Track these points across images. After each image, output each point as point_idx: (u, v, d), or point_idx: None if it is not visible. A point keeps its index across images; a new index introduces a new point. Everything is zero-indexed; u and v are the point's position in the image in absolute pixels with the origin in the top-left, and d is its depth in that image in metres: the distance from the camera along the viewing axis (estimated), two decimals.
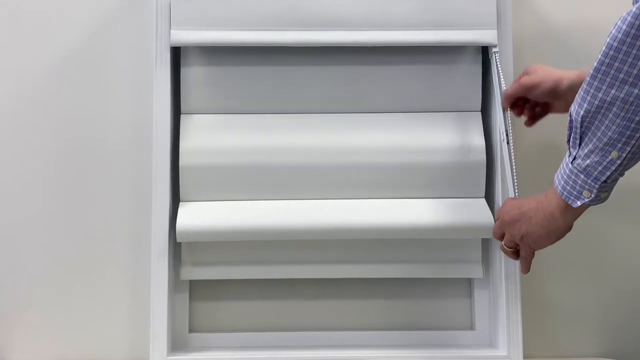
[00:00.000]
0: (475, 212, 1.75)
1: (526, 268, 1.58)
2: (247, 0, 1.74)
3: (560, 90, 1.65)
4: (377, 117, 1.79)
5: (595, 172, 1.35)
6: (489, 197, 1.79)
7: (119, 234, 1.85)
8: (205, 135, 1.77)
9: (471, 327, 1.85)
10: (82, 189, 1.85)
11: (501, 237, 1.59)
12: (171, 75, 1.77)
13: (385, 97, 1.80)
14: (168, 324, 1.73)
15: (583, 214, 1.44)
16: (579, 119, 1.35)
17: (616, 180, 1.37)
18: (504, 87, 1.71)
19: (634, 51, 1.25)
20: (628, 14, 1.26)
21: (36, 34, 1.85)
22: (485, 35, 1.76)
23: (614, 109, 1.30)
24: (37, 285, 1.85)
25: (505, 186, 1.72)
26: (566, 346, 1.89)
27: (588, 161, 1.35)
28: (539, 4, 1.88)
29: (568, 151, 1.40)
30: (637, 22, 1.24)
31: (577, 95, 1.35)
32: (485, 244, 1.81)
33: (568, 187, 1.39)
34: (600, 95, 1.31)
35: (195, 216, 1.73)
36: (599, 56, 1.30)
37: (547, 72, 1.68)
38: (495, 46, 1.76)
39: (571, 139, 1.38)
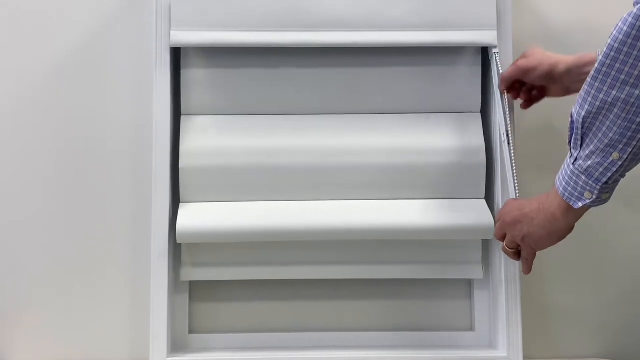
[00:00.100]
0: (475, 213, 1.75)
1: (528, 269, 1.58)
2: (247, 1, 1.74)
3: (557, 74, 1.65)
4: (377, 118, 1.79)
5: (597, 174, 1.35)
6: (489, 198, 1.79)
7: (119, 234, 1.85)
8: (205, 137, 1.77)
9: (471, 328, 1.85)
10: (82, 189, 1.85)
11: (502, 238, 1.59)
12: (171, 76, 1.77)
13: (386, 98, 1.80)
14: (168, 325, 1.73)
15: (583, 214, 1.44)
16: (580, 120, 1.35)
17: (617, 181, 1.37)
18: None
19: (635, 52, 1.26)
20: (629, 15, 1.26)
21: (36, 34, 1.85)
22: (485, 36, 1.76)
23: (615, 110, 1.30)
24: (37, 285, 1.85)
25: (505, 187, 1.72)
26: (566, 347, 1.90)
27: (589, 162, 1.36)
28: (538, 4, 1.88)
29: (569, 152, 1.40)
30: (638, 24, 1.24)
31: (578, 97, 1.35)
32: (485, 245, 1.81)
33: (569, 189, 1.39)
34: (601, 96, 1.31)
35: (195, 217, 1.73)
36: (600, 57, 1.30)
37: (545, 55, 1.68)
38: (495, 47, 1.76)
39: (572, 140, 1.38)
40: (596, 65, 1.30)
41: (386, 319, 1.86)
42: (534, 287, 1.86)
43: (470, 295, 1.86)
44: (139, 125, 1.84)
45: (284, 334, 1.84)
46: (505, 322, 1.74)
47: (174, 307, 1.80)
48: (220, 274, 1.79)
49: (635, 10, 1.25)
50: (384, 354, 1.77)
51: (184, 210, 1.74)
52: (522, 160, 1.80)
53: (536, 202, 1.49)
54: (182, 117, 1.78)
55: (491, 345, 1.82)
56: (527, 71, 1.67)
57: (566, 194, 1.40)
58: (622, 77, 1.28)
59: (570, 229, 1.46)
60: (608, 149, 1.33)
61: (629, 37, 1.26)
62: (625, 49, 1.26)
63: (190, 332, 1.83)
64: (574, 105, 1.37)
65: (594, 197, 1.38)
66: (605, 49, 1.29)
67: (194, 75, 1.78)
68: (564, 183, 1.40)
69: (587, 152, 1.36)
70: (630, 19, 1.25)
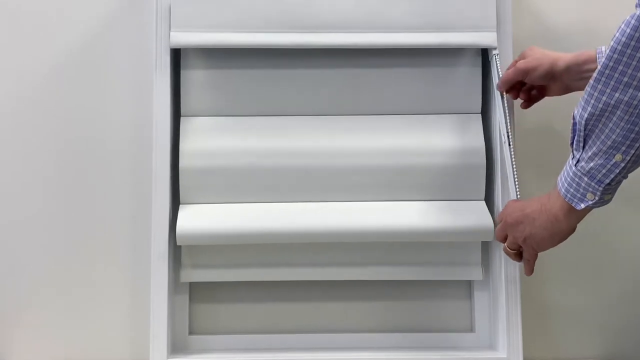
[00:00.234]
0: (475, 215, 1.75)
1: (529, 270, 1.58)
2: (247, 3, 1.74)
3: (557, 71, 1.65)
4: (377, 120, 1.79)
5: (599, 175, 1.36)
6: (489, 199, 1.79)
7: (119, 234, 1.85)
8: (205, 138, 1.77)
9: (471, 330, 1.85)
10: (82, 189, 1.85)
11: (504, 240, 1.59)
12: (171, 77, 1.76)
13: (386, 99, 1.80)
14: (168, 326, 1.73)
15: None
16: (583, 122, 1.35)
17: (620, 182, 1.37)
18: None
19: (638, 54, 1.26)
20: (632, 17, 1.26)
21: (36, 34, 1.85)
22: (485, 38, 1.76)
23: (618, 112, 1.30)
24: (37, 285, 1.85)
25: (505, 188, 1.73)
26: (566, 348, 1.90)
27: (592, 164, 1.36)
28: (538, 6, 1.88)
29: (571, 154, 1.40)
30: None
31: (580, 99, 1.36)
32: (485, 246, 1.81)
33: (572, 190, 1.40)
34: (604, 98, 1.31)
35: (195, 219, 1.73)
36: (603, 59, 1.30)
37: (543, 54, 1.68)
38: (495, 48, 1.76)
39: (574, 142, 1.38)
40: (599, 67, 1.31)
41: (386, 321, 1.85)
42: (534, 288, 1.86)
43: (470, 296, 1.86)
44: (139, 125, 1.84)
45: (284, 335, 1.83)
46: (505, 323, 1.74)
47: (174, 308, 1.80)
48: (220, 275, 1.79)
49: (637, 12, 1.26)
50: (383, 355, 1.77)
51: (184, 213, 1.74)
52: (522, 161, 1.80)
53: (537, 203, 1.49)
54: (181, 118, 1.78)
55: (491, 346, 1.82)
56: (527, 72, 1.67)
57: (568, 195, 1.41)
58: (625, 79, 1.28)
59: (572, 230, 1.47)
60: (611, 150, 1.33)
61: (631, 39, 1.26)
62: (628, 51, 1.26)
63: (190, 333, 1.82)
64: (575, 107, 1.37)
65: (597, 198, 1.38)
66: (608, 51, 1.29)
67: (194, 76, 1.78)
68: (566, 184, 1.41)
69: (589, 153, 1.36)
70: (633, 21, 1.26)
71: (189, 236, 1.72)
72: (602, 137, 1.33)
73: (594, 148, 1.35)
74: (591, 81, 1.32)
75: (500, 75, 1.72)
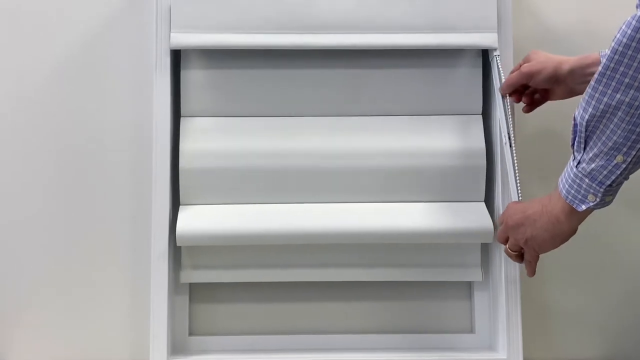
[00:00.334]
0: (475, 217, 1.75)
1: (531, 271, 1.58)
2: (247, 3, 1.74)
3: (561, 75, 1.64)
4: (377, 120, 1.79)
5: (600, 176, 1.35)
6: (489, 200, 1.79)
7: (119, 234, 1.85)
8: (205, 138, 1.77)
9: (471, 330, 1.85)
10: (82, 189, 1.85)
11: (505, 241, 1.59)
12: (171, 77, 1.76)
13: (386, 100, 1.80)
14: (168, 327, 1.73)
15: None
16: (584, 123, 1.35)
17: (621, 183, 1.37)
18: None
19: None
20: (633, 18, 1.26)
21: (36, 34, 1.85)
22: (485, 38, 1.76)
23: (619, 113, 1.30)
24: (37, 285, 1.85)
25: (505, 190, 1.73)
26: (566, 349, 1.89)
27: (593, 165, 1.36)
28: (539, 7, 1.88)
29: (572, 155, 1.40)
30: None
31: (581, 100, 1.35)
32: (485, 247, 1.81)
33: (573, 191, 1.40)
34: (605, 99, 1.31)
35: (195, 220, 1.73)
36: (604, 60, 1.30)
37: (547, 57, 1.67)
38: (495, 49, 1.76)
39: (575, 143, 1.38)
40: (600, 68, 1.30)
41: (386, 321, 1.85)
42: (534, 289, 1.86)
43: (470, 297, 1.86)
44: (139, 126, 1.84)
45: (284, 336, 1.83)
46: (505, 324, 1.74)
47: (174, 308, 1.80)
48: (220, 276, 1.79)
49: (638, 13, 1.25)
50: (383, 356, 1.77)
51: (184, 214, 1.74)
52: (523, 163, 1.79)
53: (539, 205, 1.49)
54: (181, 118, 1.78)
55: (491, 347, 1.82)
56: (531, 75, 1.66)
57: (569, 197, 1.40)
58: (627, 80, 1.28)
59: (573, 231, 1.47)
60: (612, 151, 1.33)
61: (632, 40, 1.26)
62: (630, 52, 1.26)
63: (190, 334, 1.82)
64: (576, 108, 1.37)
65: (598, 199, 1.38)
66: (609, 52, 1.29)
67: (194, 77, 1.78)
68: (567, 186, 1.41)
69: (590, 155, 1.36)
70: (634, 22, 1.25)
71: (189, 237, 1.72)
72: (603, 138, 1.33)
73: (595, 149, 1.35)
74: (592, 82, 1.32)
75: (501, 77, 1.72)
